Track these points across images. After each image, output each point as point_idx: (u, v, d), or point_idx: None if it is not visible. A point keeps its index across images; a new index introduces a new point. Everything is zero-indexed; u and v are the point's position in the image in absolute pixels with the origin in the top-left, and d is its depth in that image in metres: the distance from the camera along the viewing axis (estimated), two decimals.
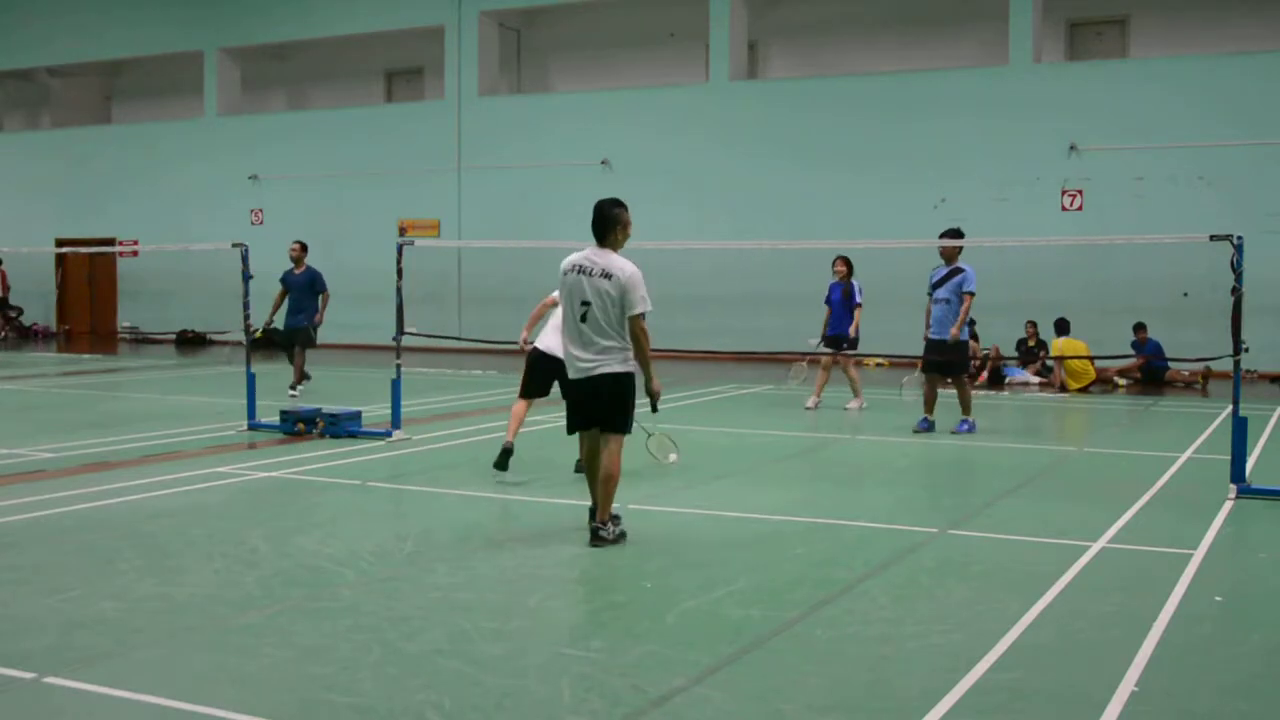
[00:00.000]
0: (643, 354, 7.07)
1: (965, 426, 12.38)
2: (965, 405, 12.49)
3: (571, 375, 7.15)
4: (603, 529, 7.10)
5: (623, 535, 7.17)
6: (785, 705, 4.58)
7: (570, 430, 7.42)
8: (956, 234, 12.64)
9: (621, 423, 7.10)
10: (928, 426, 12.36)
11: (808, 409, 14.30)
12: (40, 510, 8.16)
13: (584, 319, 7.03)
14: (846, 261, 14.71)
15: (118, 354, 24.62)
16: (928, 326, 12.54)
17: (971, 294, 12.20)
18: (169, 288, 27.68)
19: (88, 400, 15.69)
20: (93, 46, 28.89)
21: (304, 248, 16.11)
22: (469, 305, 24.49)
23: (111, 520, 7.87)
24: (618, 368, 7.04)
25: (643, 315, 7.03)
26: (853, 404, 14.50)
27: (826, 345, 14.66)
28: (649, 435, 8.60)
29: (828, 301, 14.81)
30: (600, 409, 7.09)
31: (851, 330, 14.41)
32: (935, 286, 12.42)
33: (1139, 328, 18.05)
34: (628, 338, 7.03)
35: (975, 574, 6.57)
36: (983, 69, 21.32)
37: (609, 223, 7.13)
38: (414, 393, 14.80)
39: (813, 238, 20.27)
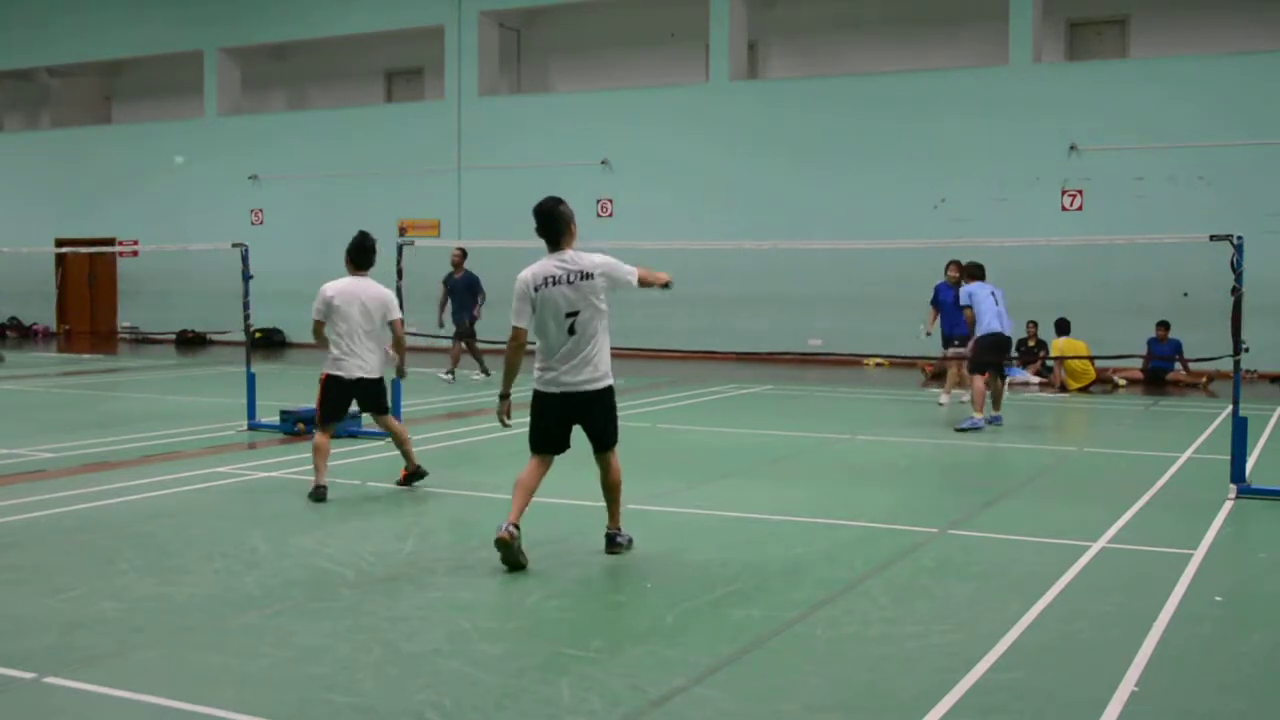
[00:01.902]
0: (652, 276, 6.94)
1: (968, 424, 12.57)
2: (975, 403, 12.76)
3: (555, 390, 6.70)
4: (620, 535, 7.00)
5: (630, 541, 7.07)
6: (785, 705, 4.59)
7: (544, 449, 6.81)
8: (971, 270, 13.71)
9: (616, 435, 6.91)
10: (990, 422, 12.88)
11: (940, 405, 14.73)
12: (40, 510, 8.17)
13: (572, 330, 6.61)
14: (959, 266, 15.00)
15: (118, 354, 24.63)
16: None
17: (964, 308, 13.29)
18: (169, 288, 27.68)
19: (88, 400, 15.70)
20: (93, 46, 28.89)
21: (464, 254, 17.79)
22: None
23: (111, 520, 7.88)
24: (610, 380, 6.80)
25: (636, 273, 6.79)
26: (945, 398, 15.03)
27: (953, 345, 15.00)
28: None
29: (935, 303, 15.33)
30: (599, 427, 6.82)
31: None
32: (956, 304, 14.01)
33: (1161, 325, 17.99)
34: (608, 341, 6.80)
35: (975, 574, 6.58)
36: (983, 69, 21.32)
37: (561, 222, 6.69)
38: (414, 393, 14.81)
39: (812, 238, 20.30)
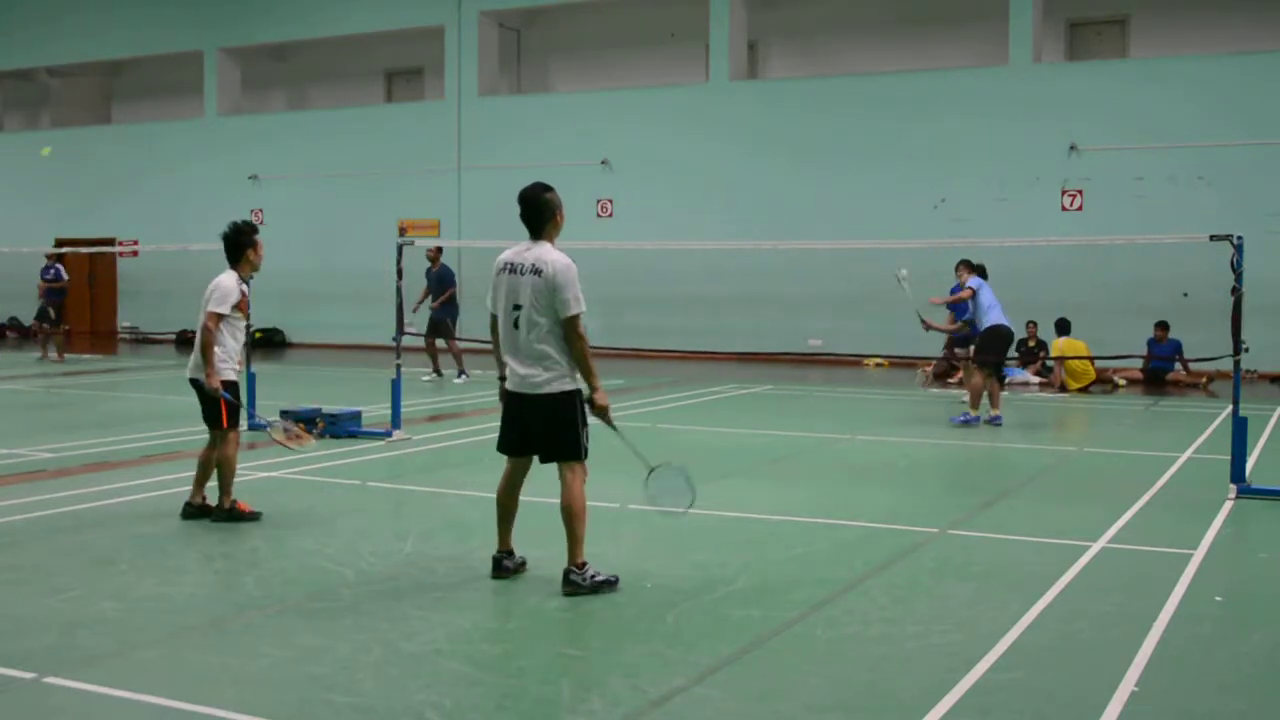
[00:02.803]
0: (583, 361, 6.02)
1: (962, 418, 12.83)
2: (971, 400, 12.92)
3: (510, 386, 6.17)
4: (575, 573, 6.09)
5: (606, 583, 6.14)
6: (785, 705, 4.59)
7: (504, 450, 6.34)
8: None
9: (575, 448, 6.10)
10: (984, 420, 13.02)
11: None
12: (40, 510, 8.17)
13: (517, 324, 6.06)
14: (969, 265, 15.04)
15: (118, 354, 24.63)
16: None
17: (957, 297, 13.73)
18: (169, 288, 27.60)
19: (88, 400, 15.70)
20: (93, 46, 28.88)
21: (439, 250, 18.17)
22: (469, 305, 24.48)
23: (111, 520, 7.88)
24: (564, 385, 6.07)
25: (578, 317, 6.01)
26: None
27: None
28: (652, 472, 6.30)
29: None
30: (547, 435, 6.13)
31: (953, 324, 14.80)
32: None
33: (1160, 325, 17.99)
34: (564, 344, 6.07)
35: (975, 574, 6.58)
36: (983, 69, 21.31)
37: (542, 210, 6.15)
38: (414, 393, 14.81)
39: (812, 238, 20.29)
